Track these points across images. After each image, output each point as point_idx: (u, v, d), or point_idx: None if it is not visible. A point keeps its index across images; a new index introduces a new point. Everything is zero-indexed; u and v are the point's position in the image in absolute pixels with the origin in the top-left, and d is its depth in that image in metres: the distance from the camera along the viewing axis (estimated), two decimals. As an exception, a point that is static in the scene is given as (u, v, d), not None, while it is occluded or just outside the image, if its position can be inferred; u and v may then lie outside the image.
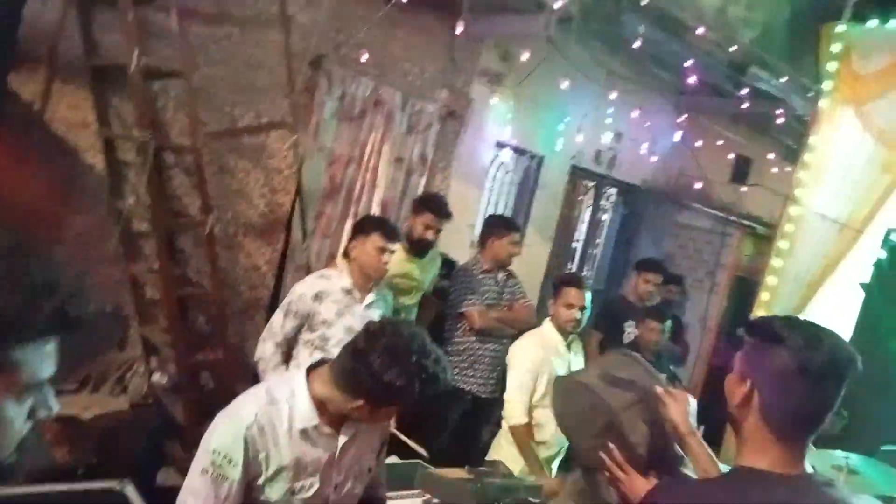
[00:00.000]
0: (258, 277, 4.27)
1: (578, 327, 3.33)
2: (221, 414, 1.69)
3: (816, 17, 4.74)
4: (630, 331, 4.75)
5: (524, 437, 3.17)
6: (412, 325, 1.73)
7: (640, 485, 1.83)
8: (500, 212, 5.59)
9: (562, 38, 4.30)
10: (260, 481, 1.67)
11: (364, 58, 4.08)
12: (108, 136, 3.47)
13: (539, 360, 3.22)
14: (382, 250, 3.05)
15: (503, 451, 3.24)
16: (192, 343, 3.66)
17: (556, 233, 6.04)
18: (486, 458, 3.24)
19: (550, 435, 3.20)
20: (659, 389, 1.91)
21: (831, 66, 4.83)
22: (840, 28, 4.67)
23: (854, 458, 3.46)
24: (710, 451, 1.86)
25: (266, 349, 3.06)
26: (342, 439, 1.76)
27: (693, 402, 1.91)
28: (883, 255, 5.07)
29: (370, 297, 3.13)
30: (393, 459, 2.70)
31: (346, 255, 3.19)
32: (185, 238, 3.85)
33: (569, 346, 3.35)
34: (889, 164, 5.15)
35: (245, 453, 1.63)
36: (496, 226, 4.17)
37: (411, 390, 1.60)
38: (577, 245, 6.44)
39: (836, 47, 4.75)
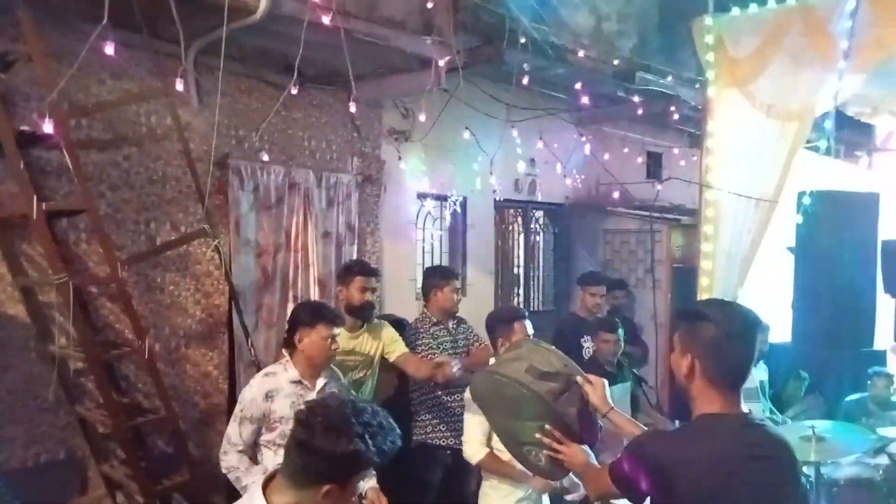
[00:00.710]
0: (210, 384, 4.21)
1: None
2: None
3: (685, 15, 5.03)
4: (587, 346, 4.85)
5: (493, 464, 3.18)
6: (336, 396, 1.77)
7: (578, 452, 2.25)
8: (437, 259, 5.68)
9: (455, 84, 4.44)
10: None
11: (265, 153, 4.12)
12: (24, 285, 3.39)
13: None
14: (331, 339, 3.02)
15: (488, 499, 3.25)
16: (154, 470, 3.56)
17: (496, 266, 6.14)
18: None
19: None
20: (580, 379, 2.37)
21: (709, 56, 5.11)
22: (708, 21, 4.97)
23: (819, 426, 3.59)
24: (629, 417, 2.46)
25: (230, 460, 3.01)
26: None
27: (607, 385, 2.39)
28: (800, 218, 5.33)
29: (321, 382, 3.11)
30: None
31: (287, 345, 3.16)
32: (126, 365, 3.77)
33: None
34: (783, 134, 5.46)
35: None
36: (434, 277, 4.24)
37: (366, 449, 1.63)
38: (519, 272, 6.55)
39: (709, 38, 5.04)
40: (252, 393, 3.01)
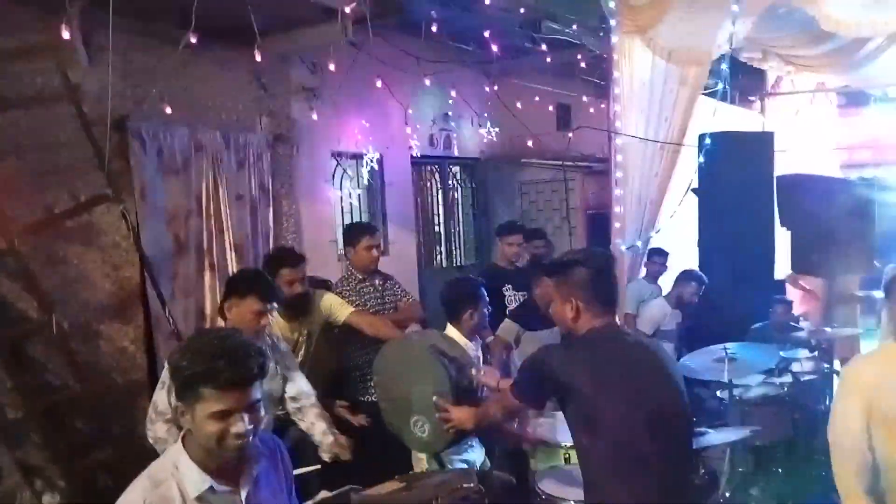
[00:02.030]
0: (127, 360, 4.03)
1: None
2: None
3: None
4: (510, 294, 4.93)
5: None
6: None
7: (465, 410, 2.65)
8: (356, 218, 5.61)
9: (364, 39, 4.35)
10: None
11: (168, 113, 3.91)
12: None
13: None
14: (260, 314, 2.86)
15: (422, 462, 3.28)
16: (75, 451, 3.40)
17: (416, 223, 6.14)
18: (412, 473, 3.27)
19: None
20: (473, 371, 2.82)
21: (611, 4, 5.24)
22: (609, -32, 5.07)
23: (731, 347, 3.84)
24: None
25: (158, 429, 2.90)
26: (243, 493, 1.73)
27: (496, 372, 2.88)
28: (702, 160, 5.59)
29: None
30: (323, 494, 2.68)
31: (221, 313, 3.04)
32: (33, 345, 3.55)
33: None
34: (684, 78, 5.68)
35: None
36: (350, 234, 4.14)
37: (219, 360, 1.62)
38: (440, 228, 6.59)
39: (610, -14, 5.16)
40: None
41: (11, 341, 3.32)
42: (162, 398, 2.89)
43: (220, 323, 3.00)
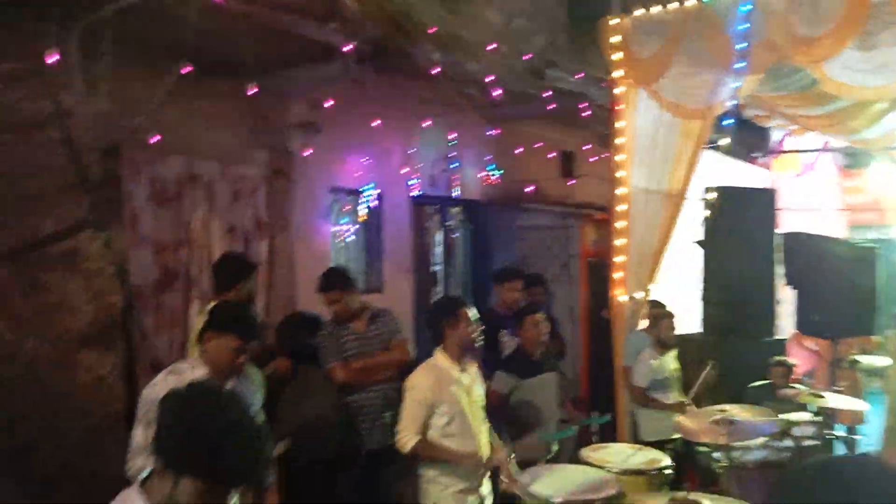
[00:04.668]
0: (105, 390, 3.92)
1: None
2: None
3: (593, 15, 5.13)
4: (506, 340, 4.83)
5: (427, 450, 3.14)
6: (210, 386, 1.66)
7: None
8: (352, 255, 5.55)
9: (366, 76, 4.36)
10: None
11: (163, 143, 3.89)
12: None
13: (429, 390, 3.16)
14: (238, 352, 2.79)
15: (428, 494, 3.18)
16: (46, 484, 3.28)
17: (414, 262, 6.07)
18: None
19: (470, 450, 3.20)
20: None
21: (616, 56, 5.24)
22: (614, 21, 5.09)
23: (729, 409, 3.70)
24: None
25: (137, 464, 2.78)
26: None
27: None
28: (706, 213, 5.53)
29: (229, 385, 2.92)
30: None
31: (199, 342, 2.93)
32: (4, 371, 3.46)
33: (465, 371, 3.30)
34: (688, 132, 5.65)
35: None
36: (319, 285, 3.99)
37: (205, 452, 1.52)
38: (438, 268, 6.52)
39: (615, 38, 5.17)
40: (155, 392, 2.77)
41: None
42: (139, 434, 2.78)
43: (195, 352, 2.90)
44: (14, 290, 3.35)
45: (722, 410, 3.64)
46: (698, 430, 3.57)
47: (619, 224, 5.57)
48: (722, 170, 5.48)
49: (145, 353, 3.93)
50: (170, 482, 1.54)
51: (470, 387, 3.28)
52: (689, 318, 5.55)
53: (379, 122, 4.82)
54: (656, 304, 5.48)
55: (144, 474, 1.62)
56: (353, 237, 5.62)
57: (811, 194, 7.86)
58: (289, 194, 4.88)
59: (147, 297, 4.03)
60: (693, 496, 2.99)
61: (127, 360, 3.98)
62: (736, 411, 3.71)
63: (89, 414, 3.84)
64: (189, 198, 4.19)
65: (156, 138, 3.88)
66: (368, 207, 5.60)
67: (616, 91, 5.35)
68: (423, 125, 5.09)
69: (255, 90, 3.77)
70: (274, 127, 4.75)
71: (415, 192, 5.82)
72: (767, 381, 5.14)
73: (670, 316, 4.78)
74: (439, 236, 6.50)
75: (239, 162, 4.49)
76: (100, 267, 3.85)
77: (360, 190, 5.46)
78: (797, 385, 5.13)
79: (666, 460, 3.83)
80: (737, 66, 4.71)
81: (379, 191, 5.55)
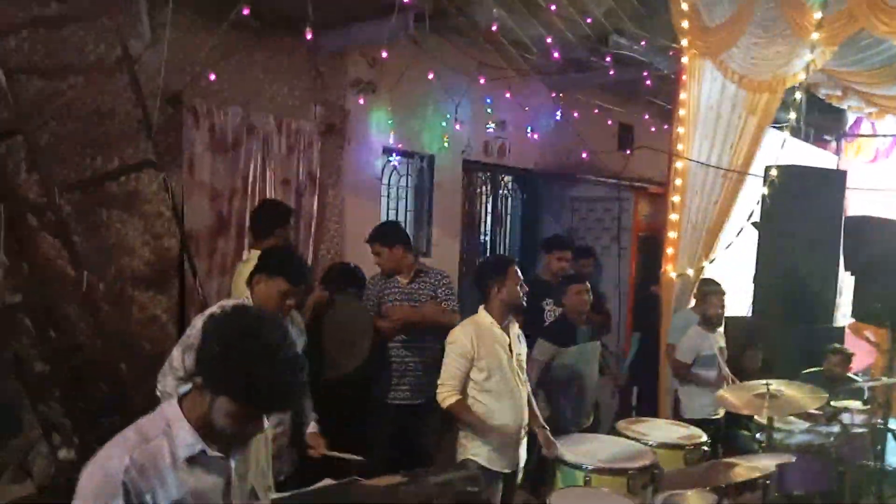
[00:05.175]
0: (158, 329, 4.08)
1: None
2: (88, 467, 1.57)
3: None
4: (549, 308, 4.79)
5: (461, 412, 3.16)
6: (257, 311, 1.70)
7: None
8: (401, 217, 5.56)
9: (424, 36, 4.32)
10: None
11: (223, 93, 3.95)
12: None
13: (470, 343, 3.18)
14: (286, 295, 2.82)
15: (464, 448, 3.21)
16: (92, 413, 3.44)
17: (462, 228, 6.06)
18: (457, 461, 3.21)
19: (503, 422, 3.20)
20: None
21: (684, 24, 5.06)
22: (684, -13, 4.90)
23: (774, 384, 3.58)
24: None
25: (167, 383, 2.86)
26: (233, 464, 1.68)
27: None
28: (766, 191, 5.32)
29: None
30: (326, 482, 2.62)
31: (249, 283, 2.95)
32: (66, 303, 3.62)
33: (506, 331, 3.30)
34: (753, 106, 5.44)
35: (126, 498, 1.52)
36: (369, 237, 4.02)
37: (239, 368, 1.53)
38: (486, 237, 6.49)
39: (684, 5, 4.99)
40: (202, 320, 2.87)
41: (45, 299, 3.39)
42: (178, 356, 2.86)
43: (247, 293, 2.96)
44: (77, 228, 3.48)
45: (766, 384, 3.54)
46: (740, 403, 3.49)
47: (675, 199, 5.43)
48: (787, 150, 5.23)
49: (197, 296, 4.04)
50: (206, 401, 1.58)
51: (510, 346, 3.27)
52: (742, 301, 5.39)
53: (435, 83, 4.78)
54: (707, 282, 5.34)
55: (183, 390, 1.67)
56: (403, 199, 5.64)
57: (882, 182, 7.48)
58: (342, 151, 4.92)
59: (201, 243, 4.14)
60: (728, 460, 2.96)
61: (180, 302, 4.12)
62: (782, 387, 3.60)
63: (142, 351, 4.00)
64: (245, 148, 4.26)
65: (216, 88, 3.95)
66: (420, 169, 5.59)
67: (682, 60, 5.18)
68: (479, 88, 5.02)
69: (314, 46, 3.77)
70: (331, 84, 4.78)
71: (467, 157, 5.78)
72: (821, 368, 4.96)
73: (720, 293, 4.64)
74: (489, 203, 6.46)
75: (295, 116, 4.54)
76: (158, 210, 3.97)
77: (412, 152, 5.46)
78: (854, 377, 4.95)
79: (703, 437, 3.78)
80: (813, 35, 4.49)
81: (431, 153, 5.54)
